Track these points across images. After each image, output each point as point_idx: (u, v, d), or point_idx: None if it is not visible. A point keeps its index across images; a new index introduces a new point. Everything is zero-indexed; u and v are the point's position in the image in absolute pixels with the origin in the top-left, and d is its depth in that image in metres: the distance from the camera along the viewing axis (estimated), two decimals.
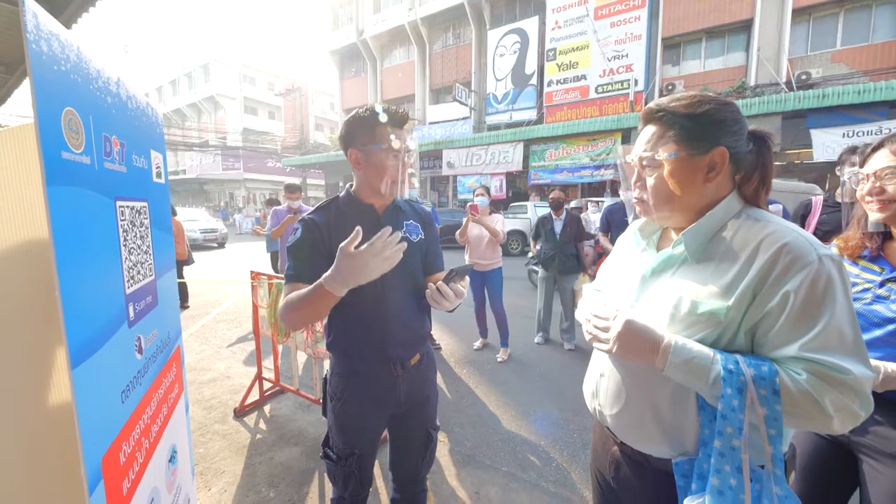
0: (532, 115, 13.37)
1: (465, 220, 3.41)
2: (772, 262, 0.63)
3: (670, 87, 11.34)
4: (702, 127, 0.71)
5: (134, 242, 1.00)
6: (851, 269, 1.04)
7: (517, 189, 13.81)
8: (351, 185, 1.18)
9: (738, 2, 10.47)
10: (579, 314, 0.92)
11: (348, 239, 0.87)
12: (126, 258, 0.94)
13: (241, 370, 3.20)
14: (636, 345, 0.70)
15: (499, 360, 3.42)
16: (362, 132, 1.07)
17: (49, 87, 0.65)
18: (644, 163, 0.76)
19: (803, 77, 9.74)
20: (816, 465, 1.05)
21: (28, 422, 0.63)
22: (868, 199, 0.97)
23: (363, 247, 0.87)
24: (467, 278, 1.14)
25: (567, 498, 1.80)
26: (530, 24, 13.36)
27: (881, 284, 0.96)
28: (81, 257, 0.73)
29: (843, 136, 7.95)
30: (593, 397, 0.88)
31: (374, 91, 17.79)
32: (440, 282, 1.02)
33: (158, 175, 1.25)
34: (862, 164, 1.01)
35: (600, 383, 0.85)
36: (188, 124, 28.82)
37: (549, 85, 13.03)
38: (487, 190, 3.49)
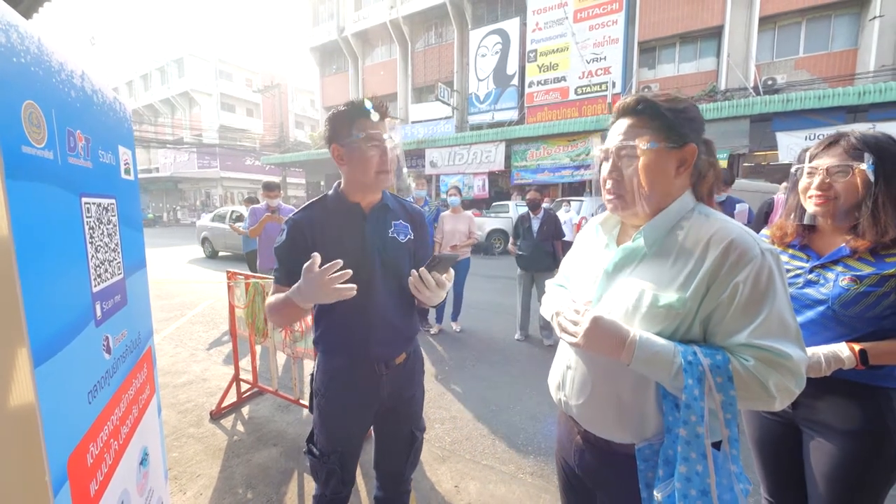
0: (514, 115, 13.52)
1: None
2: (723, 257, 0.69)
3: (646, 90, 11.60)
4: (680, 122, 0.75)
5: (101, 240, 0.97)
6: (781, 256, 1.10)
7: (499, 188, 13.94)
8: (339, 184, 1.16)
9: (709, 9, 10.88)
10: (544, 309, 0.95)
11: (309, 261, 0.90)
12: (92, 256, 0.92)
13: (217, 372, 3.13)
14: (604, 340, 0.72)
15: (432, 331, 3.90)
16: (342, 126, 1.06)
17: (7, 80, 0.64)
18: (623, 152, 0.77)
19: (769, 82, 10.21)
20: (766, 443, 1.14)
21: None
22: (811, 193, 1.01)
23: (317, 270, 0.89)
24: (451, 270, 1.10)
25: (543, 487, 1.85)
26: (511, 26, 13.51)
27: (810, 270, 1.05)
28: (44, 253, 0.71)
29: (806, 138, 8.36)
30: (559, 389, 0.90)
31: (356, 89, 17.60)
32: (422, 268, 1.00)
33: (127, 172, 1.22)
34: (811, 159, 1.04)
35: (566, 375, 0.88)
36: (161, 120, 27.78)
37: (529, 86, 13.21)
38: (458, 190, 3.89)
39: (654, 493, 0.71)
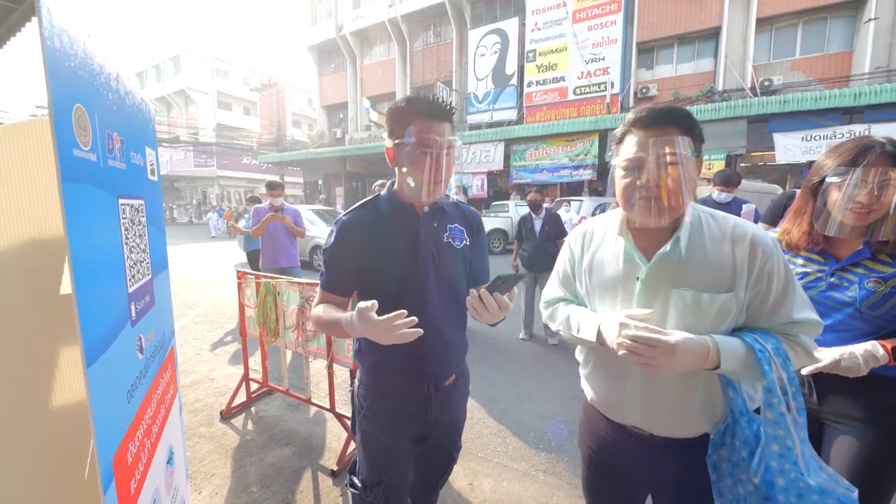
0: (512, 115, 13.54)
1: None
2: (753, 251, 0.78)
3: (645, 91, 11.74)
4: (700, 134, 0.82)
5: (134, 241, 0.98)
6: (794, 259, 1.15)
7: (498, 188, 13.96)
8: (393, 183, 1.08)
9: (706, 10, 10.95)
10: (558, 326, 0.96)
11: (366, 304, 0.80)
12: (128, 256, 0.93)
13: (224, 372, 3.13)
14: (690, 358, 0.74)
15: None
16: (395, 125, 0.97)
17: (61, 84, 0.65)
18: (670, 159, 0.77)
19: (766, 83, 10.30)
20: None
21: (40, 422, 0.62)
22: (852, 206, 0.98)
23: (378, 318, 0.79)
24: (515, 290, 0.96)
25: (556, 485, 1.87)
26: (510, 25, 13.52)
27: (832, 274, 1.07)
28: (92, 254, 0.72)
29: (802, 139, 8.47)
30: (619, 411, 0.91)
31: (354, 88, 17.55)
32: (483, 289, 0.88)
33: (152, 173, 1.23)
34: (853, 161, 0.99)
35: (629, 396, 0.88)
36: (157, 119, 27.46)
37: (528, 85, 13.23)
38: (464, 190, 3.81)
39: (751, 478, 0.77)
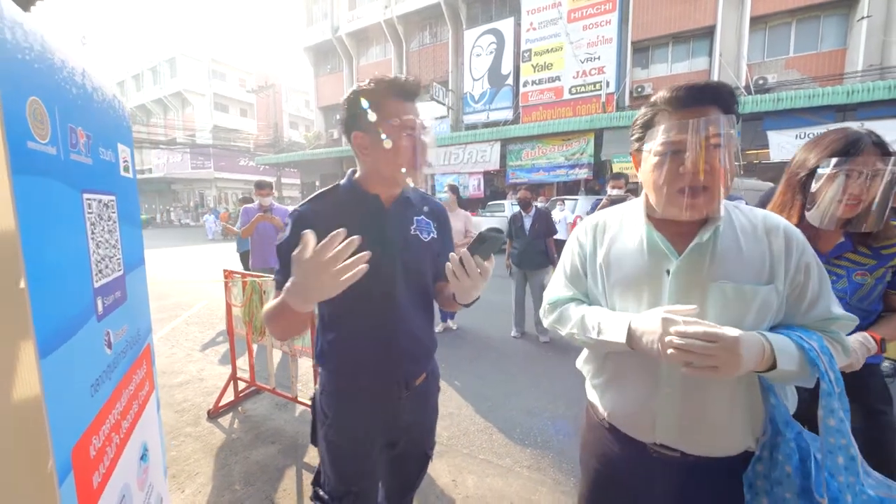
0: (508, 114, 13.57)
1: None
2: (787, 243, 0.73)
3: (640, 90, 11.77)
4: (738, 109, 0.72)
5: (101, 236, 0.98)
6: None
7: (495, 188, 13.98)
8: (354, 172, 1.00)
9: (701, 9, 11.00)
10: (586, 333, 0.80)
11: (300, 246, 0.69)
12: (94, 252, 0.93)
13: (214, 372, 3.13)
14: (752, 357, 0.64)
15: (437, 330, 3.90)
16: (364, 109, 0.89)
17: (13, 76, 0.65)
18: (719, 141, 0.67)
19: (760, 82, 10.34)
20: None
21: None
22: (842, 198, 0.97)
23: (308, 254, 0.69)
24: (493, 258, 0.84)
25: (540, 480, 1.87)
26: (506, 25, 13.56)
27: None
28: (48, 247, 0.73)
29: (797, 137, 8.50)
30: (649, 430, 0.78)
31: (351, 89, 17.54)
32: (464, 250, 0.78)
33: (126, 170, 1.23)
34: (844, 152, 0.98)
35: (661, 411, 0.76)
36: (153, 121, 27.54)
37: (524, 85, 13.26)
38: (455, 189, 3.91)
39: (817, 498, 0.67)
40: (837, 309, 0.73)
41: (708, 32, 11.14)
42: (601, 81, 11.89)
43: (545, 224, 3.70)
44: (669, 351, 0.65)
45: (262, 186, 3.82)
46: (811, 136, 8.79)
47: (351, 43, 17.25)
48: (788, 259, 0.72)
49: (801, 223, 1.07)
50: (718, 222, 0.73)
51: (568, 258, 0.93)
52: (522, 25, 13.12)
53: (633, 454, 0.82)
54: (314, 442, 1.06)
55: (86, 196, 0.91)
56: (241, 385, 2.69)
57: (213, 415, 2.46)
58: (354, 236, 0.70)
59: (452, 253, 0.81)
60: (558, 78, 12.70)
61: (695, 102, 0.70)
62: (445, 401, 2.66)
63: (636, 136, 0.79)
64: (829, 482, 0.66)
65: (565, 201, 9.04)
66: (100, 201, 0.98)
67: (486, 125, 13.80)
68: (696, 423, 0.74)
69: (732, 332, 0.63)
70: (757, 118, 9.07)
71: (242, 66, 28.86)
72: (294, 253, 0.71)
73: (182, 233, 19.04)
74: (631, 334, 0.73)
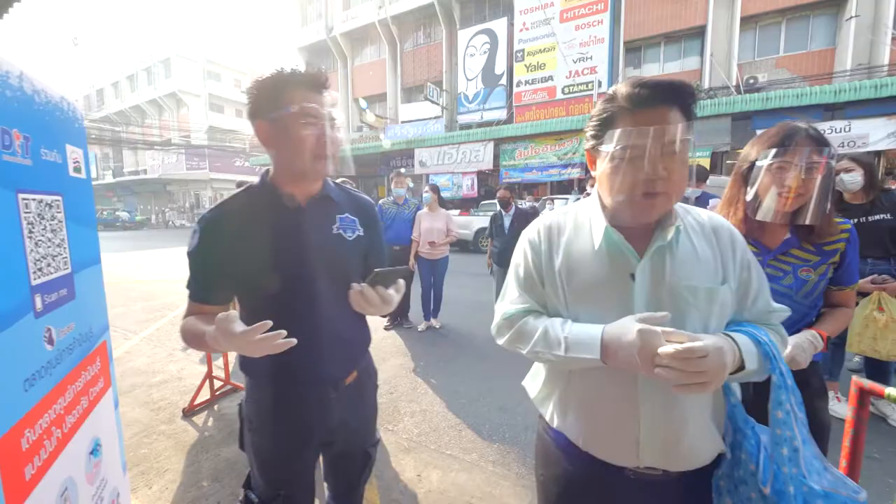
0: (502, 114, 13.60)
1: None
2: (732, 241, 0.75)
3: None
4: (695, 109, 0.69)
5: (42, 235, 1.00)
6: None
7: (489, 187, 14.02)
8: (268, 171, 0.96)
9: (692, 9, 11.05)
10: (550, 350, 0.73)
11: (225, 315, 0.72)
12: (32, 250, 0.95)
13: (193, 371, 3.15)
14: (728, 365, 0.63)
15: (420, 329, 3.98)
16: (268, 99, 0.85)
17: None
18: (681, 146, 0.65)
19: (751, 81, 10.40)
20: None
21: None
22: (782, 191, 0.98)
23: (238, 332, 0.72)
24: (401, 282, 0.92)
25: (503, 475, 1.90)
26: (499, 25, 13.59)
27: (767, 264, 1.07)
28: None
29: None
30: (627, 451, 0.73)
31: (345, 89, 17.56)
32: (365, 284, 0.83)
33: (77, 170, 1.25)
34: (780, 145, 0.99)
35: (644, 430, 0.71)
36: (148, 122, 27.49)
37: (517, 85, 13.30)
38: (436, 188, 4.06)
39: (762, 489, 0.68)
40: (773, 301, 0.77)
41: (699, 32, 11.19)
42: (593, 81, 11.92)
43: (524, 223, 3.71)
44: (657, 370, 0.61)
45: (242, 185, 3.85)
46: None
47: (345, 43, 17.26)
48: (734, 256, 0.74)
49: (747, 217, 1.08)
50: (678, 222, 0.71)
51: (521, 265, 0.84)
52: (515, 25, 13.15)
53: (605, 477, 0.75)
54: (242, 447, 1.05)
55: (21, 196, 0.93)
56: (218, 384, 2.71)
57: (188, 413, 2.48)
58: (281, 331, 0.73)
59: (354, 284, 0.83)
60: (551, 78, 12.74)
61: (656, 102, 0.66)
62: (419, 397, 2.69)
63: (593, 132, 0.74)
64: (776, 473, 0.67)
65: (555, 200, 9.07)
66: (40, 201, 1.01)
67: (480, 125, 13.83)
68: (679, 438, 0.70)
69: (712, 341, 0.62)
70: (746, 117, 9.12)
71: (238, 67, 28.84)
72: (218, 319, 0.72)
73: (180, 234, 19.01)
74: (605, 349, 0.66)
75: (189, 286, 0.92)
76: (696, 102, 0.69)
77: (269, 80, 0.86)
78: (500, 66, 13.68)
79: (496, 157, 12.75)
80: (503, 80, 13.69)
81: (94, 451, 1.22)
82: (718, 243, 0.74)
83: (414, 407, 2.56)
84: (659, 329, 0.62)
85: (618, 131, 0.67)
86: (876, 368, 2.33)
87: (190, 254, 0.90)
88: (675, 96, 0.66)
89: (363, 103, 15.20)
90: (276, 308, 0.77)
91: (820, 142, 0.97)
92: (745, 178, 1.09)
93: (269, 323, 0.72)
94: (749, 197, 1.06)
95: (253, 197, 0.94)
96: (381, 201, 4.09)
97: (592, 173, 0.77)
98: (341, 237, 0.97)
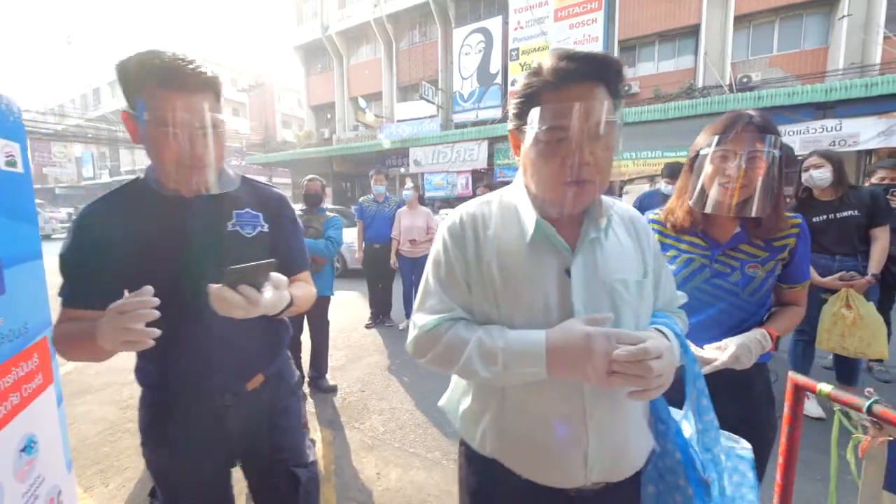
0: (497, 113, 13.58)
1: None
2: (646, 232, 0.75)
3: (627, 88, 11.79)
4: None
5: None
6: (678, 244, 1.09)
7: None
8: (153, 165, 0.87)
9: (685, 8, 11.02)
10: (488, 365, 0.63)
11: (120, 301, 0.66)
12: None
13: None
14: (675, 362, 0.63)
15: (401, 327, 4.02)
16: (128, 90, 0.75)
17: None
18: (607, 129, 0.59)
19: (744, 80, 10.37)
20: None
21: None
22: (724, 181, 0.94)
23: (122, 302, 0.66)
24: (281, 279, 0.80)
25: None
26: (494, 24, 13.57)
27: (715, 260, 1.03)
28: None
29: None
30: (572, 470, 0.66)
31: (341, 87, 17.54)
32: (220, 285, 0.71)
33: (11, 164, 1.24)
34: (722, 132, 0.96)
35: (590, 447, 0.65)
36: None
37: (512, 84, 13.24)
38: (416, 186, 4.10)
39: (703, 478, 0.68)
40: (679, 292, 0.80)
41: (693, 31, 11.16)
42: None
43: None
44: (613, 378, 0.55)
45: None
46: (791, 133, 8.81)
47: (341, 42, 17.22)
48: (649, 247, 0.74)
49: (692, 209, 1.04)
50: (610, 212, 0.68)
51: (441, 263, 0.72)
52: (510, 24, 13.13)
53: (542, 499, 0.68)
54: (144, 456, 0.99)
55: None
56: None
57: None
58: (153, 299, 0.67)
59: (210, 284, 0.72)
60: None
61: (581, 77, 0.60)
62: (389, 395, 2.68)
63: (515, 111, 0.67)
64: (714, 459, 0.70)
65: None
66: None
67: (475, 124, 13.81)
68: (625, 445, 0.67)
69: (657, 339, 0.58)
70: None
71: (234, 65, 28.78)
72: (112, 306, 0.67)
73: None
74: (551, 359, 0.58)
75: (62, 291, 0.82)
76: (624, 81, 0.66)
77: (132, 63, 0.74)
78: (495, 65, 13.65)
79: (490, 156, 12.72)
80: (498, 79, 13.66)
81: (28, 448, 1.21)
82: (637, 234, 0.74)
83: (383, 405, 2.55)
84: (608, 331, 0.57)
85: (537, 109, 0.60)
86: (845, 366, 2.32)
87: (63, 255, 0.81)
88: (602, 71, 0.60)
89: (363, 103, 15.18)
90: (165, 311, 0.69)
91: (764, 129, 0.92)
92: (692, 167, 1.05)
93: (150, 289, 0.67)
94: (695, 188, 1.02)
95: (135, 192, 0.87)
96: (361, 199, 4.08)
97: (516, 158, 0.72)
98: (238, 234, 0.89)
